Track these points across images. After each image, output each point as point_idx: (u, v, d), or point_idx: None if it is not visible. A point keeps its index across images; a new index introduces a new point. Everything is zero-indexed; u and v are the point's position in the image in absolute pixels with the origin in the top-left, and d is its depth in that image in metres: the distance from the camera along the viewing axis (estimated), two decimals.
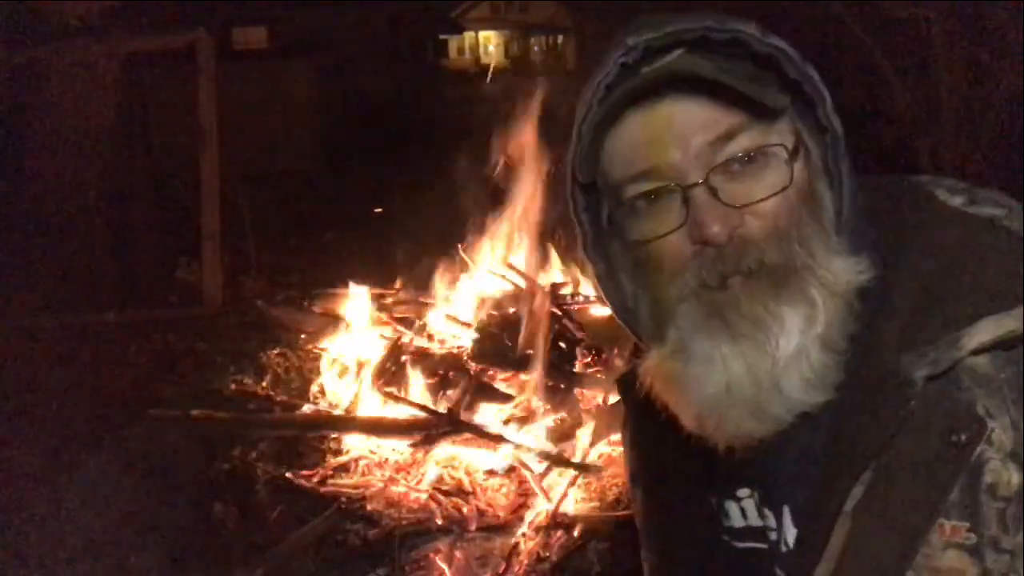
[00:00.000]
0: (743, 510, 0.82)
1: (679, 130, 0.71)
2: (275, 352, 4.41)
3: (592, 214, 0.81)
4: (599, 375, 3.84)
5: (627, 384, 0.86)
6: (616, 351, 4.04)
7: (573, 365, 3.91)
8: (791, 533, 0.77)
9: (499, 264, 4.71)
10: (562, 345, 3.99)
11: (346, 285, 4.80)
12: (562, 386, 3.67)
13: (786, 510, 0.77)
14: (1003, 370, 0.66)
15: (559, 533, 2.80)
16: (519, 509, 3.00)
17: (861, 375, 0.70)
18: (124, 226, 5.70)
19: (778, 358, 0.69)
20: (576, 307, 4.52)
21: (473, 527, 2.91)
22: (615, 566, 2.66)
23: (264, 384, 4.09)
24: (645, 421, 0.84)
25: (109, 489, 3.18)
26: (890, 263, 0.72)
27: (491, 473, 3.23)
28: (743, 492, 0.81)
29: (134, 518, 3.01)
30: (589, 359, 4.03)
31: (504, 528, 2.90)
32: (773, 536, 0.79)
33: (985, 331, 0.65)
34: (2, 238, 5.21)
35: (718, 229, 0.70)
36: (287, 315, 4.83)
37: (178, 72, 5.96)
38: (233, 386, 4.06)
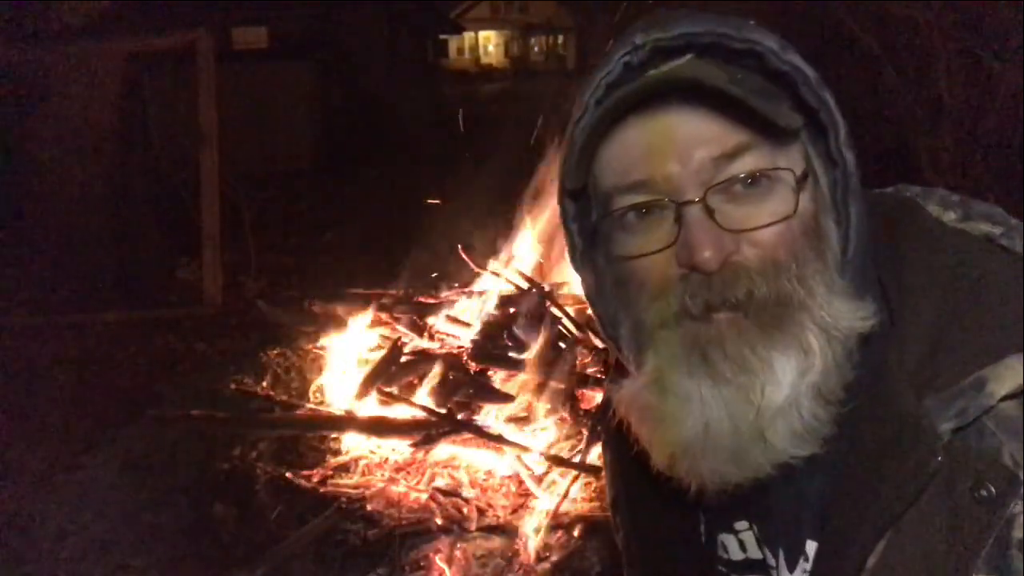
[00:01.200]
0: (742, 542, 0.78)
1: (681, 141, 0.65)
2: (275, 352, 4.41)
3: (582, 223, 0.75)
4: (599, 375, 3.84)
5: (606, 407, 0.81)
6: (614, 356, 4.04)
7: (573, 365, 3.90)
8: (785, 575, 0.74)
9: (500, 264, 4.72)
10: (562, 345, 3.99)
11: (346, 285, 4.81)
12: (562, 386, 3.67)
13: (780, 552, 0.74)
14: None
15: (559, 533, 2.80)
16: (519, 509, 3.00)
17: (874, 422, 0.65)
18: (124, 226, 5.70)
19: (763, 408, 0.63)
20: (576, 307, 4.52)
21: (473, 527, 2.91)
22: (615, 566, 2.66)
23: (264, 384, 4.09)
24: (624, 448, 0.77)
25: (109, 489, 3.18)
26: (894, 300, 0.67)
27: (491, 473, 3.23)
28: (741, 525, 0.78)
29: (134, 518, 3.01)
30: (589, 359, 4.03)
31: (504, 528, 2.90)
32: (773, 573, 0.76)
33: (1013, 374, 0.60)
34: (2, 238, 5.21)
35: (710, 254, 0.63)
36: (287, 315, 4.83)
37: (178, 72, 5.97)
38: (233, 386, 4.06)
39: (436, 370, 3.76)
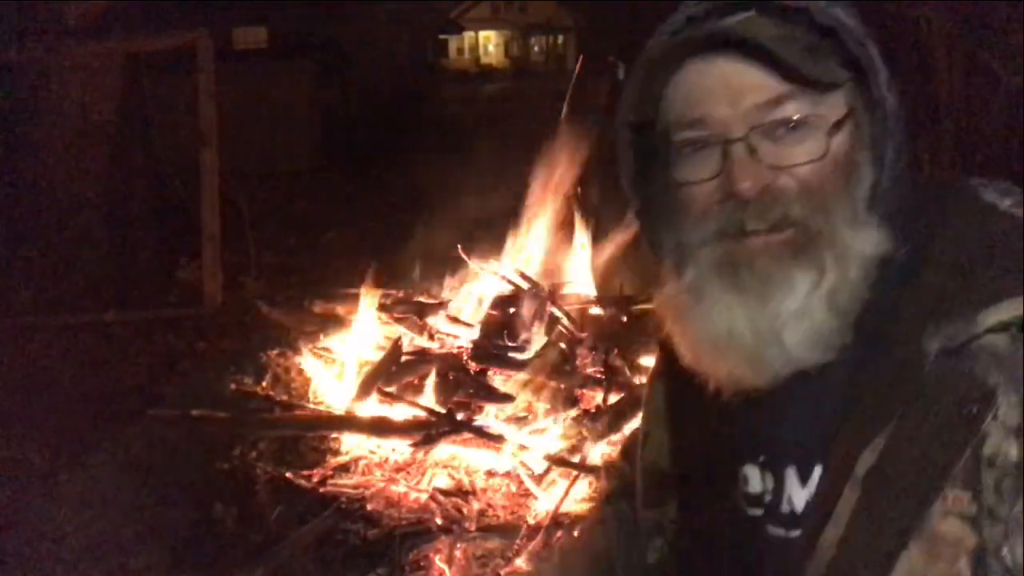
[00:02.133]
0: (747, 476, 0.83)
1: (733, 88, 0.75)
2: (275, 352, 4.41)
3: (635, 151, 0.86)
4: (599, 375, 3.84)
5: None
6: (616, 351, 4.04)
7: (573, 365, 3.90)
8: (799, 495, 0.78)
9: (499, 264, 4.72)
10: (562, 345, 3.99)
11: (346, 285, 4.81)
12: (562, 386, 3.67)
13: (790, 472, 0.79)
14: (1019, 350, 0.68)
15: (559, 533, 2.80)
16: (519, 509, 3.00)
17: (881, 345, 0.73)
18: (124, 226, 5.70)
19: (779, 313, 0.72)
20: (576, 307, 4.52)
21: (473, 527, 2.91)
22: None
23: (264, 384, 4.09)
24: (672, 382, 0.89)
25: (109, 489, 3.18)
26: (924, 243, 0.75)
27: (491, 473, 3.23)
28: (760, 458, 0.83)
29: (134, 518, 3.01)
30: (589, 359, 4.03)
31: (504, 528, 2.89)
32: (768, 498, 0.81)
33: (1004, 311, 0.67)
34: (2, 238, 5.21)
35: (749, 185, 0.73)
36: (287, 315, 4.83)
37: (178, 72, 5.96)
38: (233, 386, 4.06)
39: (432, 374, 3.76)
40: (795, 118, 0.75)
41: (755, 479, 0.82)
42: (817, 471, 0.76)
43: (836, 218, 0.74)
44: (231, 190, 5.56)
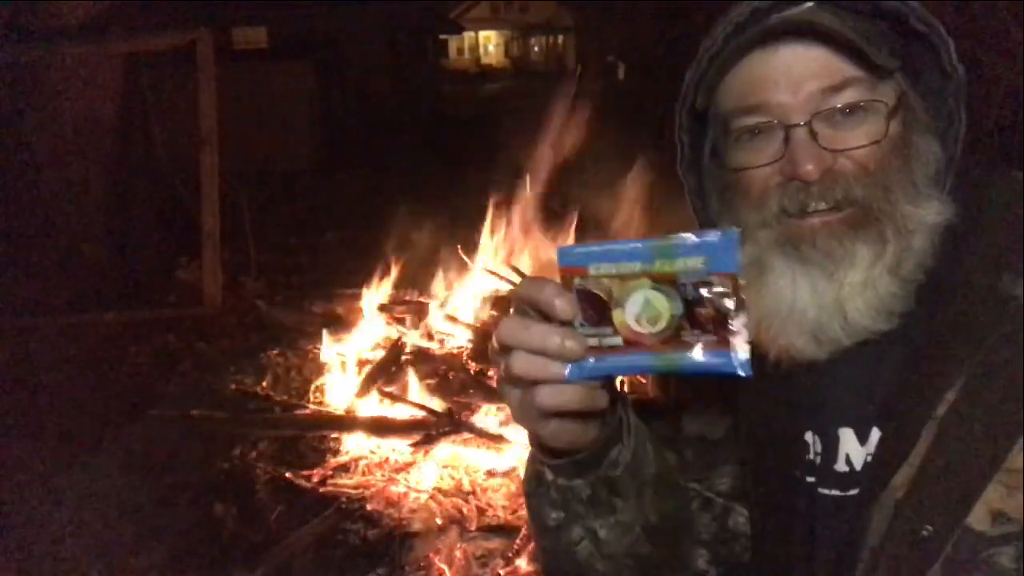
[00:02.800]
0: (815, 442, 0.84)
1: (794, 75, 0.76)
2: (275, 352, 4.41)
3: (692, 137, 0.87)
4: None
5: None
6: None
7: None
8: (857, 454, 0.79)
9: (499, 264, 4.72)
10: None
11: (346, 285, 4.81)
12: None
13: (846, 433, 0.80)
14: None
15: None
16: (519, 509, 3.00)
17: (951, 298, 0.75)
18: (124, 226, 5.70)
19: (843, 284, 0.74)
20: None
21: (473, 527, 2.91)
22: None
23: (264, 384, 4.09)
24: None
25: (109, 489, 3.18)
26: (984, 205, 0.77)
27: (491, 473, 3.23)
28: (817, 423, 0.83)
29: (134, 518, 3.01)
30: None
31: (504, 528, 2.90)
32: (819, 461, 0.81)
33: None
34: (2, 238, 5.21)
35: (811, 168, 0.75)
36: (287, 315, 4.83)
37: (178, 72, 5.96)
38: (233, 386, 4.06)
39: (410, 371, 3.76)
40: (855, 104, 0.76)
41: (815, 445, 0.83)
42: (876, 432, 0.78)
43: (896, 195, 0.75)
44: (231, 190, 5.56)
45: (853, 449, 0.80)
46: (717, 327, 0.58)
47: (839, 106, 0.76)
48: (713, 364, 0.58)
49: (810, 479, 0.83)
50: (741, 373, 0.59)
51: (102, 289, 5.34)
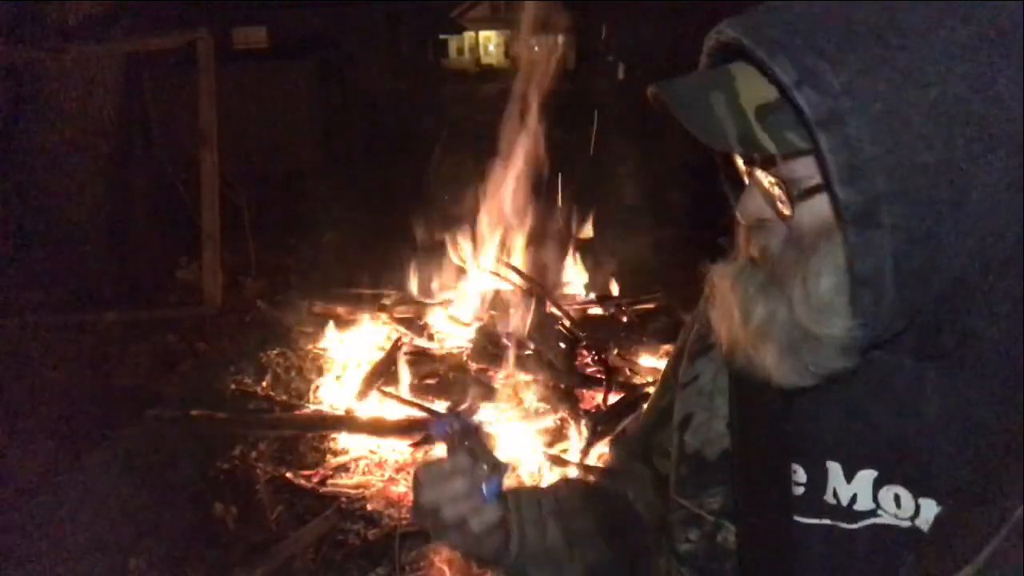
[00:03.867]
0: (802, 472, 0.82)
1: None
2: (275, 352, 4.41)
3: None
4: (599, 375, 3.84)
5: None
6: (616, 351, 4.05)
7: (573, 365, 3.91)
8: (844, 490, 0.77)
9: (499, 264, 4.72)
10: (562, 345, 3.99)
11: (346, 285, 4.81)
12: (562, 386, 3.67)
13: (832, 466, 0.77)
14: None
15: None
16: None
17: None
18: (124, 226, 5.70)
19: (813, 308, 0.69)
20: (576, 307, 4.52)
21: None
22: None
23: (264, 384, 4.09)
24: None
25: (109, 489, 3.18)
26: None
27: None
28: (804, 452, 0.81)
29: (134, 518, 3.01)
30: (589, 359, 4.03)
31: None
32: (801, 491, 0.79)
33: None
34: (3, 238, 5.21)
35: (746, 214, 0.74)
36: (287, 315, 4.83)
37: (178, 72, 5.97)
38: (233, 386, 4.06)
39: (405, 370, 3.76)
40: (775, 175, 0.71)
41: (800, 474, 0.80)
42: (905, 497, 0.74)
43: (800, 268, 0.70)
44: (231, 190, 5.56)
45: (840, 484, 0.77)
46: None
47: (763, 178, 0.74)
48: (504, 469, 0.90)
49: (797, 511, 0.80)
50: (507, 471, 0.91)
51: (102, 289, 5.34)
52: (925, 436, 0.72)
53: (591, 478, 1.12)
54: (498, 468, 0.89)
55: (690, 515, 0.90)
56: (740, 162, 0.78)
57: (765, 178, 0.72)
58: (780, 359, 0.72)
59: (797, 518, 0.78)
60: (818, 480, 0.78)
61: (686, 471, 0.91)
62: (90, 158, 5.37)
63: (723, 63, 0.72)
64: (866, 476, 0.76)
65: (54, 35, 5.14)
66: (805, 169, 0.68)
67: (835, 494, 0.77)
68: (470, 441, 0.89)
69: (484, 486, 0.87)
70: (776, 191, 0.71)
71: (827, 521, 0.77)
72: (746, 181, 0.76)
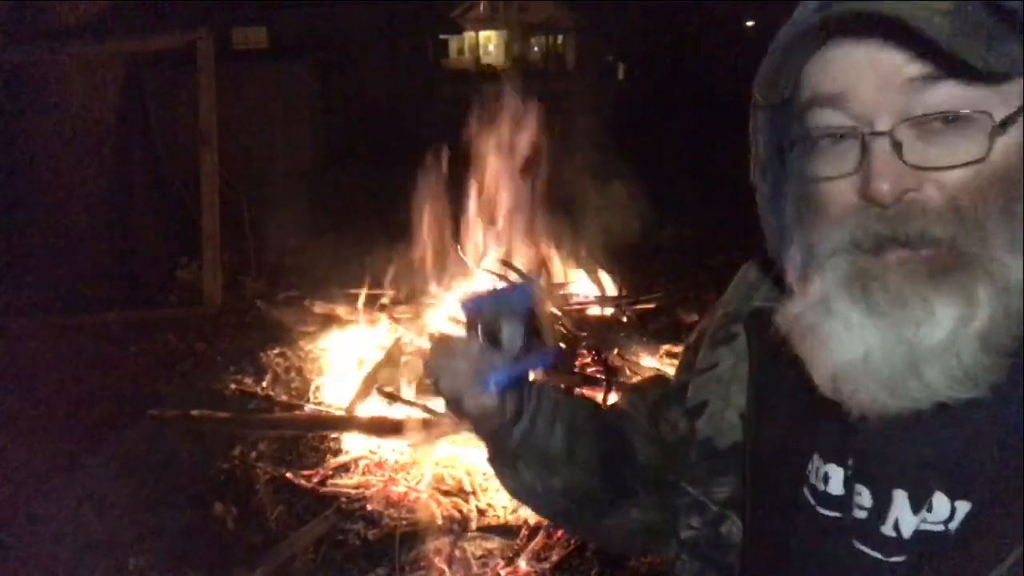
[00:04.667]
0: (827, 475, 0.77)
1: (881, 69, 0.64)
2: (275, 352, 4.41)
3: (768, 136, 0.78)
4: (599, 375, 3.84)
5: (750, 318, 0.86)
6: (616, 351, 4.04)
7: (573, 365, 3.90)
8: (908, 521, 0.70)
9: (498, 264, 4.72)
10: (562, 345, 3.99)
11: (346, 285, 4.81)
12: (562, 386, 3.66)
13: (899, 495, 0.71)
14: None
15: (559, 533, 2.80)
16: (519, 509, 3.00)
17: None
18: (124, 226, 5.70)
19: (916, 345, 0.63)
20: (576, 307, 4.52)
21: (473, 527, 2.91)
22: (615, 566, 2.66)
23: (264, 384, 4.09)
24: (765, 345, 0.79)
25: (109, 489, 3.18)
26: None
27: (491, 473, 3.23)
28: (836, 458, 0.76)
29: (134, 518, 3.01)
30: (589, 359, 4.03)
31: (504, 528, 2.90)
32: (861, 514, 0.73)
33: None
34: (3, 238, 5.21)
35: (887, 187, 0.63)
36: (287, 315, 4.83)
37: (178, 72, 5.96)
38: (233, 386, 4.06)
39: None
40: (952, 110, 0.63)
41: (837, 479, 0.75)
42: (940, 502, 0.69)
43: (993, 239, 0.62)
44: (231, 190, 5.56)
45: (904, 515, 0.71)
46: (539, 340, 0.90)
47: (935, 112, 0.63)
48: (540, 362, 0.90)
49: (827, 512, 0.76)
50: (556, 362, 0.91)
51: (102, 289, 5.34)
52: (966, 439, 0.68)
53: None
54: (528, 358, 0.86)
55: (695, 502, 0.89)
56: (828, 147, 0.68)
57: (910, 137, 0.63)
58: (970, 365, 0.62)
59: (856, 544, 0.73)
60: (880, 509, 0.72)
61: (695, 458, 0.90)
62: (90, 158, 5.37)
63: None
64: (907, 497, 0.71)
65: (54, 35, 5.14)
66: (999, 98, 0.62)
67: (896, 526, 0.71)
68: (494, 326, 0.85)
69: (491, 375, 0.84)
70: (924, 149, 0.63)
71: (877, 554, 0.72)
72: (850, 157, 0.66)
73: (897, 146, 0.64)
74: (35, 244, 5.33)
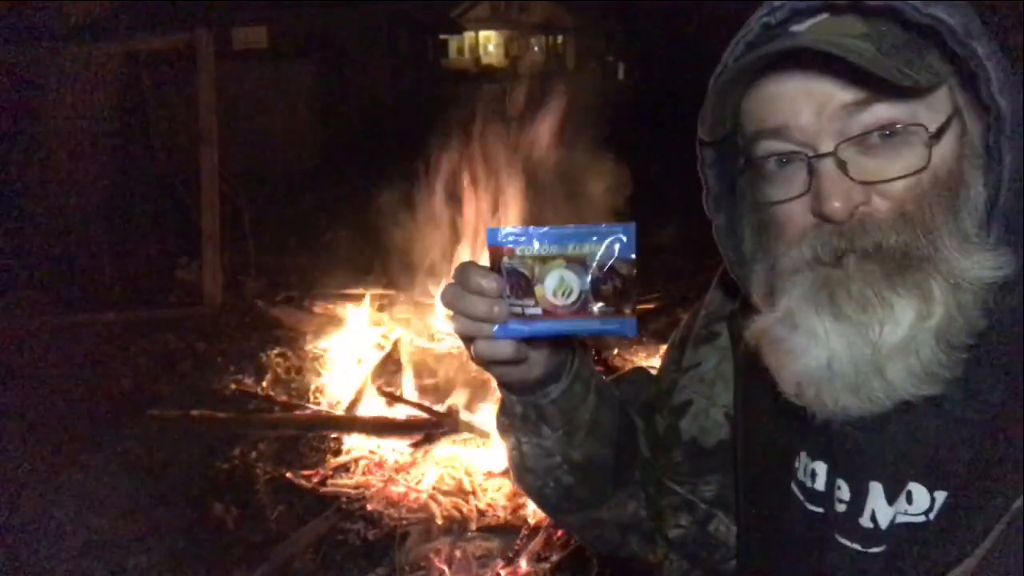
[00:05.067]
0: (814, 471, 0.79)
1: (815, 95, 0.68)
2: (275, 352, 4.41)
3: (718, 170, 0.81)
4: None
5: (732, 318, 0.87)
6: (616, 351, 4.05)
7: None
8: (884, 512, 0.73)
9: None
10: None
11: (346, 285, 4.81)
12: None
13: (875, 487, 0.73)
14: None
15: (559, 533, 2.80)
16: (519, 509, 3.00)
17: (1006, 367, 0.66)
18: (124, 226, 5.69)
19: (879, 345, 0.66)
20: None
21: (473, 527, 2.91)
22: (614, 566, 2.66)
23: (264, 384, 4.09)
24: (753, 356, 0.80)
25: (109, 489, 3.18)
26: None
27: (491, 473, 3.23)
28: (821, 455, 0.78)
29: (134, 518, 3.01)
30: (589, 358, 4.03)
31: (504, 528, 2.89)
32: (841, 507, 0.75)
33: None
34: (2, 238, 5.21)
35: (839, 205, 0.67)
36: (287, 315, 4.83)
37: (178, 72, 5.96)
38: (233, 386, 4.06)
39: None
40: (889, 125, 0.67)
41: (821, 475, 0.77)
42: (919, 493, 0.71)
43: (942, 240, 0.66)
44: (231, 190, 5.56)
45: (880, 506, 0.73)
46: (616, 301, 0.71)
47: (872, 128, 0.67)
48: (609, 330, 0.72)
49: (814, 508, 0.78)
50: (630, 335, 0.73)
51: (102, 289, 5.34)
52: (943, 429, 0.70)
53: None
54: (577, 320, 0.71)
55: (682, 500, 0.90)
56: (777, 171, 0.72)
57: (852, 155, 0.67)
58: (929, 361, 0.65)
59: (838, 537, 0.75)
60: (856, 501, 0.74)
61: (680, 457, 0.91)
62: (90, 158, 5.36)
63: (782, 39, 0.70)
64: (878, 488, 0.73)
65: (54, 35, 5.14)
66: (929, 109, 0.67)
67: (873, 516, 0.74)
68: (528, 268, 0.71)
69: (508, 321, 0.72)
70: (867, 165, 0.67)
71: (856, 546, 0.74)
72: (798, 180, 0.70)
73: (842, 164, 0.67)
74: (35, 244, 5.32)
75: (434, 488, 3.13)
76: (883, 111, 0.67)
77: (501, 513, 3.00)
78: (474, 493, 3.11)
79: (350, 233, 5.49)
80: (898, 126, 0.67)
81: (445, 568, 2.69)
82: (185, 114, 5.66)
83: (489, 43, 35.26)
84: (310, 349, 4.38)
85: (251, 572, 2.71)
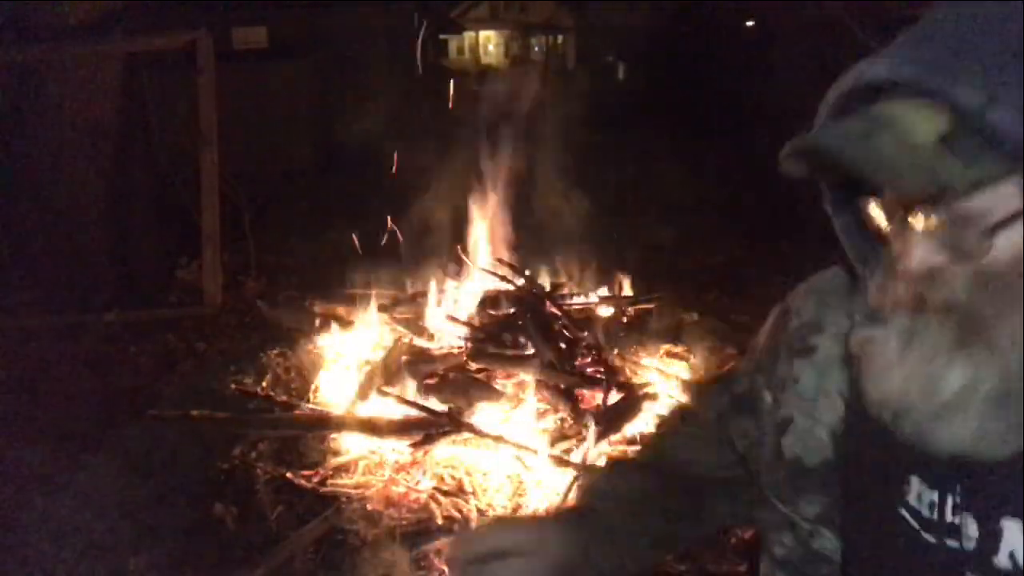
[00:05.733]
0: (933, 502, 0.77)
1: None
2: (275, 352, 4.41)
3: (836, 201, 0.79)
4: (599, 375, 3.84)
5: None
6: (616, 351, 4.04)
7: (573, 365, 3.90)
8: (1021, 551, 0.70)
9: (498, 264, 4.72)
10: (562, 345, 3.99)
11: (346, 285, 4.81)
12: (562, 386, 3.67)
13: (1008, 524, 0.71)
14: None
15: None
16: (519, 509, 3.00)
17: None
18: (124, 226, 5.69)
19: (935, 402, 0.65)
20: (576, 307, 4.52)
21: (473, 527, 2.91)
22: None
23: (264, 384, 4.09)
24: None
25: (109, 489, 3.18)
26: None
27: (491, 473, 3.23)
28: (945, 486, 0.76)
29: (134, 518, 3.01)
30: (589, 359, 4.03)
31: None
32: (970, 544, 0.73)
33: None
34: (2, 238, 5.21)
35: (914, 265, 0.67)
36: (287, 315, 4.83)
37: (178, 72, 5.96)
38: (233, 386, 4.06)
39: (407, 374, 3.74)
40: (969, 216, 0.64)
41: (946, 507, 0.75)
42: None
43: (1009, 311, 0.63)
44: (231, 190, 5.56)
45: (1020, 546, 0.70)
46: None
47: (956, 216, 0.65)
48: None
49: (928, 537, 0.76)
50: None
51: (102, 289, 5.34)
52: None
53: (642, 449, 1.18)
54: None
55: (785, 520, 0.90)
56: (877, 212, 0.71)
57: (929, 220, 0.66)
58: (983, 426, 0.64)
59: (968, 575, 0.73)
60: (990, 540, 0.72)
61: (783, 476, 0.90)
62: (90, 158, 5.36)
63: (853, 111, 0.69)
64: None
65: (54, 35, 5.14)
66: (995, 198, 0.63)
67: (1012, 556, 0.70)
68: None
69: None
70: (948, 232, 0.65)
71: None
72: (884, 228, 0.70)
73: (926, 225, 0.66)
74: (35, 244, 5.32)
75: (434, 488, 3.13)
76: (962, 205, 0.65)
77: (501, 513, 3.00)
78: (474, 493, 3.11)
79: (350, 233, 5.48)
80: (958, 214, 0.66)
81: (445, 568, 2.70)
82: (185, 114, 5.66)
83: (489, 43, 35.26)
84: (310, 349, 4.38)
85: (251, 572, 2.71)
